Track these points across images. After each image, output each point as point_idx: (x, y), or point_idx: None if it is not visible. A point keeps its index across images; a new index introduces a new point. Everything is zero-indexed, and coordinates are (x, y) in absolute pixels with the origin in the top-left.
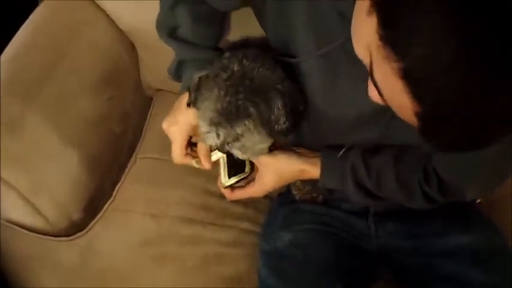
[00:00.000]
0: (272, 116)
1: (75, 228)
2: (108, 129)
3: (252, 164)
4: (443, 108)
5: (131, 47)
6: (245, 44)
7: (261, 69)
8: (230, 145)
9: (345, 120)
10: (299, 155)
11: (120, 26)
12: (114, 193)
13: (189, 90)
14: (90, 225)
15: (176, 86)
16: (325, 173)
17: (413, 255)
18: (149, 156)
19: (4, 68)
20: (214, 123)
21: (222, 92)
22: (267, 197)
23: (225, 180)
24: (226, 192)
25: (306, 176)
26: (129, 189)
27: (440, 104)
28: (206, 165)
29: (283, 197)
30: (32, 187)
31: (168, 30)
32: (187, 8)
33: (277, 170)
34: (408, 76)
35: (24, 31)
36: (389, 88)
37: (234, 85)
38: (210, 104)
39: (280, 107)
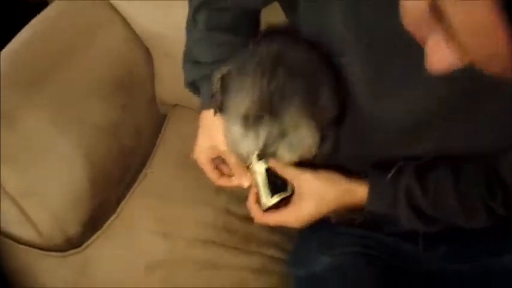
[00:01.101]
0: (320, 101)
1: (71, 244)
2: (118, 140)
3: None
4: None
5: (147, 55)
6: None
7: (297, 51)
8: (274, 145)
9: (393, 124)
10: (344, 174)
11: (136, 30)
12: (119, 209)
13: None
14: (89, 241)
15: (195, 100)
16: (373, 196)
17: (470, 279)
18: (162, 171)
19: (5, 59)
20: (251, 121)
21: (257, 77)
22: None
23: (267, 199)
24: (258, 214)
25: (351, 199)
26: (137, 206)
27: None
28: (244, 181)
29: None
30: (24, 190)
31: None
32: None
33: (319, 190)
34: None
35: (31, 27)
36: (473, 31)
37: (269, 67)
38: (242, 99)
39: (328, 91)
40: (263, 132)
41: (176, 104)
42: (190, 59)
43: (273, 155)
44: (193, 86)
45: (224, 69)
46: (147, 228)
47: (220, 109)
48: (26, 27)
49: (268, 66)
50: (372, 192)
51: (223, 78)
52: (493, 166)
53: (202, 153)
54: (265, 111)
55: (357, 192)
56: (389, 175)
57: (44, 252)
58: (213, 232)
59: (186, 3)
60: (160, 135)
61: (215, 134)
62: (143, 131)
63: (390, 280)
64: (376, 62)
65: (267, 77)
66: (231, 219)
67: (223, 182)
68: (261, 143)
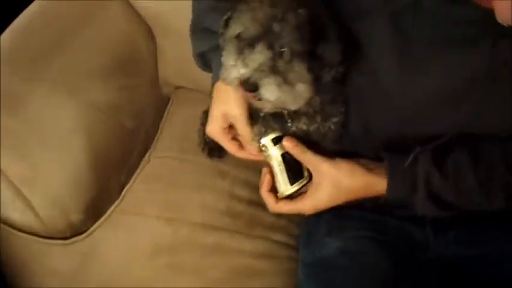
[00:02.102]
0: (320, 46)
1: (74, 231)
2: (119, 122)
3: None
4: None
5: (149, 35)
6: None
7: None
8: (261, 78)
9: (420, 99)
10: (362, 165)
11: (137, 8)
12: (122, 194)
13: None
14: (92, 228)
15: (199, 81)
16: (393, 185)
17: (481, 264)
18: (166, 155)
19: (5, 43)
20: (244, 44)
21: (257, 4)
22: None
23: (286, 187)
24: (272, 203)
25: (369, 192)
26: (141, 191)
27: None
28: (252, 149)
29: None
30: (25, 176)
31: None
32: None
33: (337, 181)
34: None
35: (30, 10)
36: None
37: None
38: (239, 24)
39: (332, 39)
40: (253, 59)
41: (180, 86)
42: (198, 29)
43: (255, 88)
44: (202, 58)
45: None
46: (151, 213)
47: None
48: (25, 11)
49: None
50: (391, 179)
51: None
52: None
53: (214, 122)
54: (261, 37)
55: (376, 186)
56: (407, 162)
57: (46, 240)
58: (218, 216)
59: None
60: (163, 118)
61: (226, 99)
62: (145, 113)
63: (399, 266)
64: (403, 33)
65: (267, 4)
66: (235, 204)
67: (242, 154)
68: (248, 70)
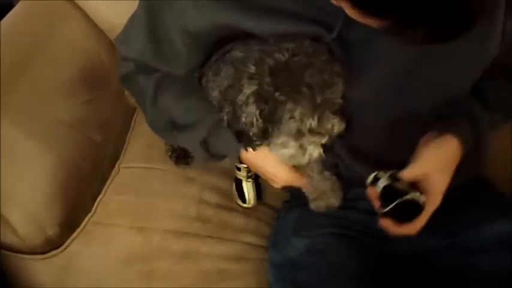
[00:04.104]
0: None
1: (51, 245)
2: (87, 135)
3: None
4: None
5: (111, 47)
6: None
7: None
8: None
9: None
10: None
11: (99, 24)
12: (94, 206)
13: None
14: (68, 241)
15: None
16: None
17: (447, 256)
18: (134, 165)
19: None
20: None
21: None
22: (271, 206)
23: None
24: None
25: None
26: (112, 202)
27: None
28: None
29: (293, 200)
30: (1, 196)
31: (168, 126)
32: (168, 93)
33: (445, 164)
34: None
35: None
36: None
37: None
38: (291, 116)
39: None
40: (311, 150)
41: None
42: (173, 128)
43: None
44: (205, 144)
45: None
46: (123, 223)
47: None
48: None
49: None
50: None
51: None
52: None
53: (285, 173)
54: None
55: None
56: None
57: (26, 256)
58: (188, 222)
59: None
60: (130, 128)
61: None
62: (112, 125)
63: (368, 261)
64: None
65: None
66: (204, 209)
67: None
68: (306, 159)
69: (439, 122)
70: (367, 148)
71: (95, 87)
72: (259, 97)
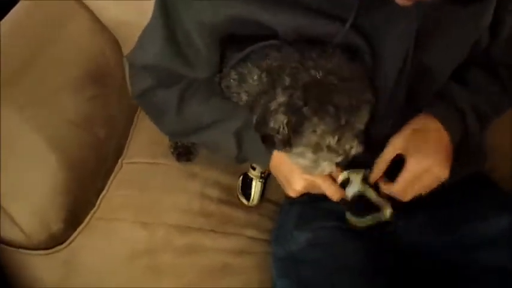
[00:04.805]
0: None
1: (55, 240)
2: (92, 132)
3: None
4: None
5: (115, 44)
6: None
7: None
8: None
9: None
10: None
11: (103, 21)
12: (98, 201)
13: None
14: (72, 237)
15: None
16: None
17: (446, 252)
18: (138, 160)
19: None
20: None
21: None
22: (272, 201)
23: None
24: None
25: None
26: (116, 197)
27: None
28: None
29: None
30: (6, 192)
31: (195, 129)
32: (195, 100)
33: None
34: None
35: (2, 25)
36: None
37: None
38: (313, 131)
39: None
40: (325, 161)
41: None
42: (200, 128)
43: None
44: (238, 135)
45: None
46: (127, 218)
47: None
48: None
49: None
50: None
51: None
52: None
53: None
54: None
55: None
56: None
57: (30, 251)
58: (191, 217)
59: None
60: (133, 124)
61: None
62: (116, 122)
63: (372, 255)
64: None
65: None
66: (207, 203)
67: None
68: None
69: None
70: (374, 136)
71: (99, 85)
72: (289, 108)
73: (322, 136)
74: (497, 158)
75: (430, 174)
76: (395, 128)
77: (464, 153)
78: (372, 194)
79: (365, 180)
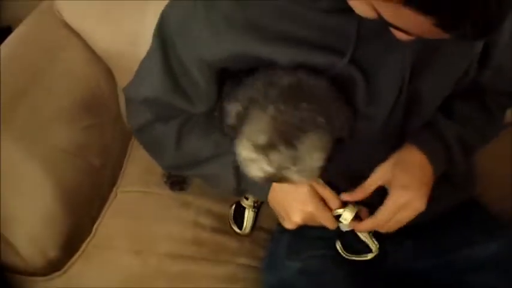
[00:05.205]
0: (336, 125)
1: (52, 267)
2: (87, 161)
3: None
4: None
5: (109, 74)
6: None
7: (310, 78)
8: (285, 172)
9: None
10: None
11: (97, 51)
12: (94, 229)
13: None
14: (69, 263)
15: None
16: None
17: (437, 274)
18: (131, 189)
19: None
20: (266, 148)
21: (281, 107)
22: (264, 229)
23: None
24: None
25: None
26: (111, 225)
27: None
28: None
29: None
30: (3, 217)
31: (194, 163)
32: (193, 135)
33: (402, 165)
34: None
35: None
36: (402, 21)
37: (292, 97)
38: (263, 125)
39: (341, 113)
40: (276, 161)
41: None
42: (199, 162)
43: (282, 180)
44: (238, 169)
45: (239, 105)
46: (121, 246)
47: (235, 132)
48: None
49: (292, 97)
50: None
51: (239, 113)
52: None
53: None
54: (283, 142)
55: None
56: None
57: (29, 277)
58: (184, 245)
59: (139, 19)
60: (127, 153)
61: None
62: (110, 151)
63: (361, 282)
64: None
65: (291, 109)
66: (200, 232)
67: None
68: (271, 170)
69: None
70: (366, 164)
71: (94, 114)
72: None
73: (255, 133)
74: (485, 182)
75: (410, 207)
76: (389, 156)
77: (453, 180)
78: (362, 233)
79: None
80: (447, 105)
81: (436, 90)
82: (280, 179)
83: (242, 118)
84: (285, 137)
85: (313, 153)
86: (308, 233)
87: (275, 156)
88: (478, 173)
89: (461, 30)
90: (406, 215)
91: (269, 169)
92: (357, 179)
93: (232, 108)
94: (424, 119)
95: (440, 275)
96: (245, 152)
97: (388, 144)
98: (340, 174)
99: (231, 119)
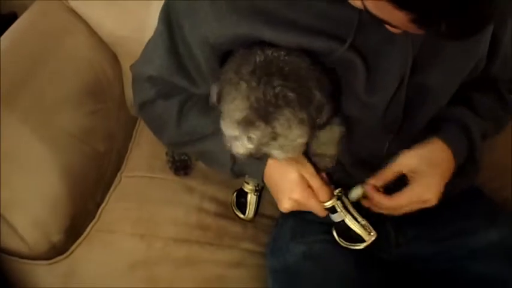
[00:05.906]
0: (312, 102)
1: (56, 251)
2: (92, 146)
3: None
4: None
5: (114, 60)
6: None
7: (287, 57)
8: (267, 147)
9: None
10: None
11: (102, 37)
12: (98, 214)
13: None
14: (72, 248)
15: None
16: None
17: (439, 261)
18: (136, 174)
19: None
20: (244, 125)
21: (253, 83)
22: (267, 216)
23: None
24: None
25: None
26: (115, 210)
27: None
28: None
29: None
30: (7, 202)
31: (194, 139)
32: (192, 113)
33: (431, 162)
34: None
35: (2, 41)
36: (383, 13)
37: (264, 74)
38: (237, 103)
39: (318, 91)
40: (255, 137)
41: None
42: (199, 138)
43: (265, 156)
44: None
45: (219, 84)
46: (126, 230)
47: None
48: None
49: (265, 71)
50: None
51: (218, 93)
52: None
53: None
54: (259, 116)
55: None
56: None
57: (31, 261)
58: (188, 230)
59: (145, 5)
60: (132, 138)
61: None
62: (115, 135)
63: (365, 268)
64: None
65: (263, 83)
66: (204, 217)
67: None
68: (253, 147)
69: (429, 129)
70: (367, 152)
71: (99, 99)
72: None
73: (232, 111)
74: (488, 171)
75: (427, 203)
76: (393, 146)
77: (462, 168)
78: (353, 224)
79: (346, 209)
80: (469, 99)
81: (445, 82)
82: (263, 155)
83: (221, 97)
84: (260, 113)
85: (291, 129)
86: (310, 217)
87: (254, 133)
88: (482, 163)
89: (436, 28)
90: (418, 207)
91: (249, 145)
92: (356, 167)
93: (214, 88)
94: (429, 113)
95: (440, 261)
96: (228, 130)
97: (389, 134)
98: (340, 162)
99: (213, 98)
